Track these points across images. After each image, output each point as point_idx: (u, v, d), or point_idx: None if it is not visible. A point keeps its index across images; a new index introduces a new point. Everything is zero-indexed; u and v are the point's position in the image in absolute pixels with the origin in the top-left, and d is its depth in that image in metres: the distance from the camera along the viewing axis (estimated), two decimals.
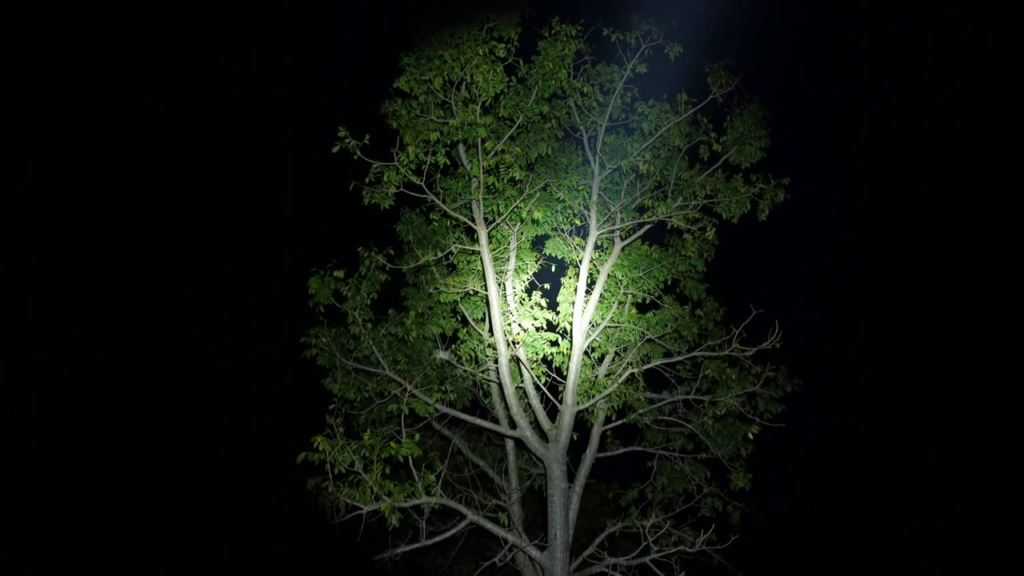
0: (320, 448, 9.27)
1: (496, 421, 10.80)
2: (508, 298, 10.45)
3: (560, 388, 10.32)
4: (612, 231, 10.72)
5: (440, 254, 10.48)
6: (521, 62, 10.19)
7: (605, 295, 10.94)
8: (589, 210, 10.54)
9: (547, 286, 10.69)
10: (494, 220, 10.37)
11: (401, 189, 10.06)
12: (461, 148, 10.35)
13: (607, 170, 10.43)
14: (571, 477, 10.22)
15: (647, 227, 11.00)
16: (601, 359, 11.22)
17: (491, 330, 10.75)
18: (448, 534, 10.07)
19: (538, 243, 11.23)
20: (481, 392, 11.49)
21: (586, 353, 11.05)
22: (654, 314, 10.99)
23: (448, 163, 10.15)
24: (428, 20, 9.74)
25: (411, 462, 9.41)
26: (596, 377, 10.69)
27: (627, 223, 10.65)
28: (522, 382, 10.59)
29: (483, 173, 9.94)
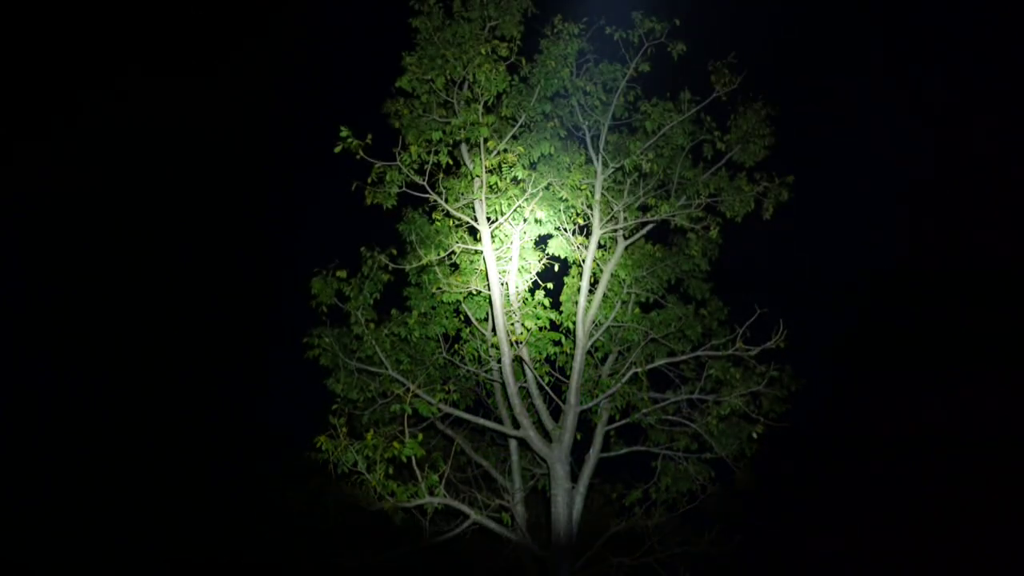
0: (323, 448, 9.27)
1: (499, 421, 10.77)
2: (511, 298, 10.42)
3: (563, 388, 10.29)
4: (615, 230, 10.70)
5: (443, 254, 10.45)
6: (523, 61, 10.19)
7: (608, 294, 10.91)
8: (592, 209, 10.50)
9: (550, 285, 10.66)
10: (497, 219, 10.34)
11: (403, 189, 10.04)
12: (464, 147, 10.32)
13: (610, 169, 10.39)
14: (575, 477, 10.20)
15: (650, 226, 10.97)
16: (604, 359, 11.19)
17: (494, 330, 10.73)
18: (452, 534, 10.05)
19: (541, 242, 11.21)
20: (484, 392, 11.46)
21: (589, 353, 11.02)
22: (658, 313, 10.96)
23: (451, 163, 10.13)
24: (430, 19, 9.72)
25: (414, 462, 9.41)
26: (600, 377, 10.67)
27: (630, 222, 10.62)
28: (525, 382, 10.57)
29: (486, 172, 9.92)
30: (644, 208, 10.75)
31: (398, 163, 9.75)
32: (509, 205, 10.22)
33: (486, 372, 10.93)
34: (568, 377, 10.23)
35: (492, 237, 10.24)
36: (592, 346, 10.87)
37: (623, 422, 10.60)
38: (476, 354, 10.97)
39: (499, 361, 10.32)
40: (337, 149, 9.39)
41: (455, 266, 10.93)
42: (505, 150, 10.01)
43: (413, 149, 9.67)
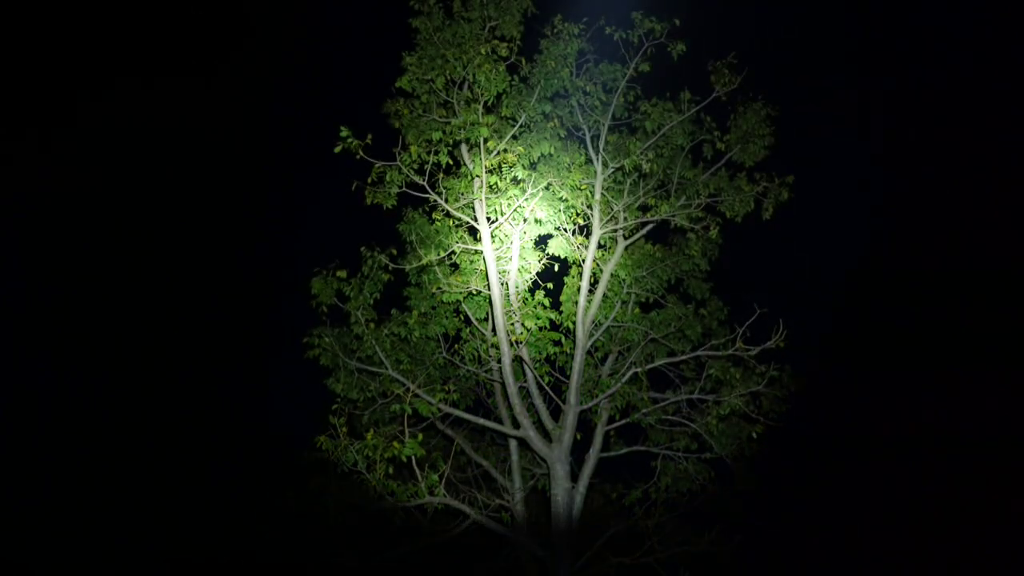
0: (323, 448, 9.28)
1: (499, 421, 10.78)
2: (511, 298, 10.43)
3: (563, 388, 10.31)
4: (615, 230, 10.70)
5: (443, 254, 10.46)
6: (523, 61, 10.21)
7: (608, 294, 10.92)
8: (592, 209, 10.51)
9: (550, 285, 10.67)
10: (497, 219, 10.35)
11: (404, 189, 10.05)
12: (463, 148, 10.32)
13: (610, 169, 10.40)
14: (575, 477, 10.21)
15: (650, 226, 10.98)
16: (604, 359, 11.20)
17: (494, 330, 10.73)
18: (452, 534, 10.06)
19: (541, 242, 11.22)
20: (484, 392, 11.47)
21: (589, 353, 11.03)
22: (658, 313, 10.97)
23: (451, 163, 10.15)
24: (430, 19, 9.73)
25: (414, 462, 9.42)
26: (599, 377, 10.68)
27: (630, 222, 10.63)
28: (525, 382, 10.58)
29: (485, 172, 9.93)
30: (644, 208, 10.76)
31: (398, 163, 9.76)
32: (509, 205, 10.23)
33: (486, 372, 10.94)
34: (568, 377, 10.24)
35: (492, 237, 10.25)
36: (592, 346, 10.87)
37: (623, 422, 10.61)
38: (476, 354, 10.98)
39: (499, 361, 10.33)
40: (337, 149, 9.40)
41: (455, 266, 10.94)
42: (505, 150, 10.02)
43: (413, 149, 9.68)
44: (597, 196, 10.41)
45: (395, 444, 9.17)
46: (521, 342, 10.04)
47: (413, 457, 9.27)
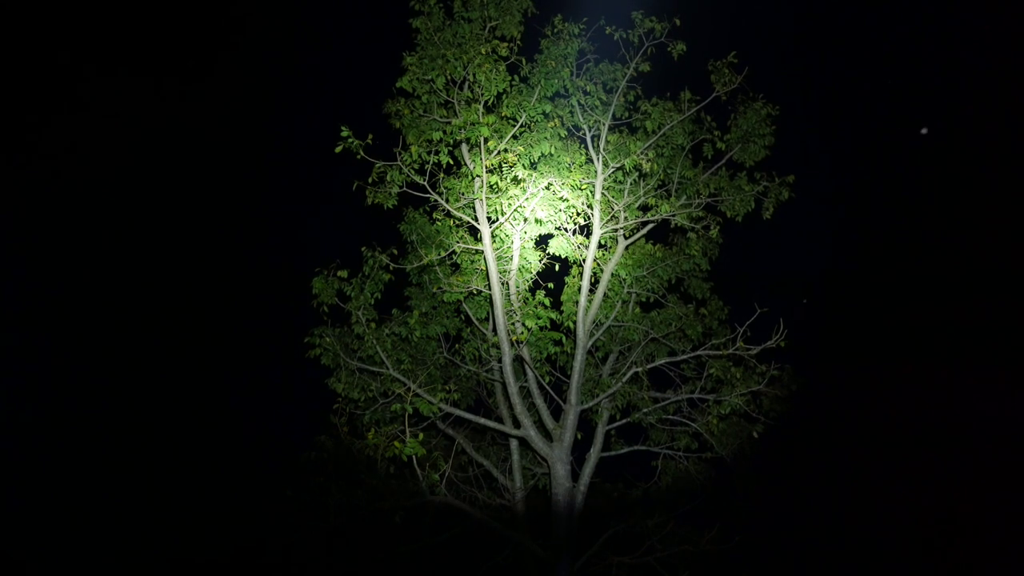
0: (324, 448, 9.29)
1: (500, 420, 10.79)
2: (512, 297, 10.43)
3: (564, 387, 10.31)
4: (616, 230, 10.71)
5: (443, 254, 10.47)
6: (524, 61, 10.22)
7: (609, 294, 10.93)
8: (592, 209, 10.51)
9: (551, 285, 10.68)
10: (497, 219, 10.36)
11: (404, 189, 10.06)
12: (464, 147, 10.33)
13: (610, 169, 10.41)
14: (575, 476, 10.22)
15: (651, 226, 10.98)
16: (605, 358, 11.21)
17: (495, 329, 10.74)
18: (452, 534, 10.08)
19: (541, 242, 11.23)
20: (485, 392, 11.47)
21: (590, 352, 11.03)
22: (658, 313, 10.98)
23: (451, 163, 10.16)
24: (431, 19, 9.74)
25: (415, 461, 9.42)
26: (600, 376, 10.69)
27: (631, 222, 10.63)
28: (526, 381, 10.59)
29: (486, 172, 9.93)
30: (644, 208, 10.76)
31: (399, 163, 9.77)
32: (509, 205, 10.23)
33: (487, 372, 10.95)
34: (569, 376, 10.24)
35: (493, 237, 10.26)
36: (593, 345, 10.88)
37: (623, 421, 10.62)
38: (477, 354, 10.99)
39: (500, 361, 10.34)
40: (338, 149, 9.41)
41: (456, 266, 10.95)
42: (505, 150, 10.02)
43: (414, 149, 9.69)
44: (597, 196, 10.41)
45: (396, 444, 9.18)
46: (522, 342, 10.05)
47: (414, 456, 9.27)
